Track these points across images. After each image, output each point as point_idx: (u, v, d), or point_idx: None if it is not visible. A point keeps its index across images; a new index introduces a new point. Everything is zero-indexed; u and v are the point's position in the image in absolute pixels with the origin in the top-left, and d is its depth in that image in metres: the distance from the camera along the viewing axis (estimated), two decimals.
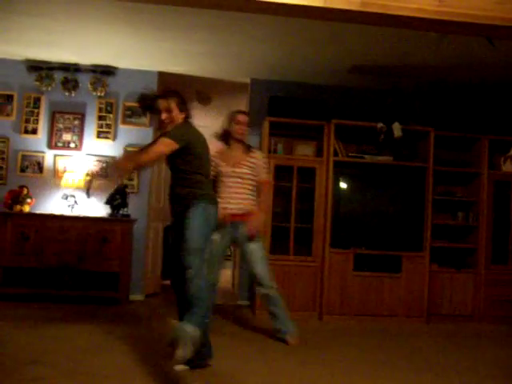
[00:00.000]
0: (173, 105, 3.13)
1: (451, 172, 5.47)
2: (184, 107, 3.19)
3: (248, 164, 4.00)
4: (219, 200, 3.85)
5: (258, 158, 4.09)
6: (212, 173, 3.95)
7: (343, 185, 5.23)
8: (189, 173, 3.08)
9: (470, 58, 4.68)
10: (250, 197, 4.00)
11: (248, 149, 4.10)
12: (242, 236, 3.96)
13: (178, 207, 3.13)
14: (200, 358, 3.10)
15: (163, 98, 3.15)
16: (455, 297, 5.29)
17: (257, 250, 3.97)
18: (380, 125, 5.11)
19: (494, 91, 5.64)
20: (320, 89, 5.76)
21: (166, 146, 3.00)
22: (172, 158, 3.10)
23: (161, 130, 3.26)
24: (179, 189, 3.11)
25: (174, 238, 3.16)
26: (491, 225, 5.40)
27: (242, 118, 4.09)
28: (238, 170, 3.97)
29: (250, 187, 4.00)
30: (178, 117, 3.15)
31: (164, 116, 3.12)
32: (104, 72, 5.59)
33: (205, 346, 3.11)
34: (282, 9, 3.01)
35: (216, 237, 3.89)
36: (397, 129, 5.06)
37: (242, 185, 3.97)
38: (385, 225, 5.21)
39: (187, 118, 3.20)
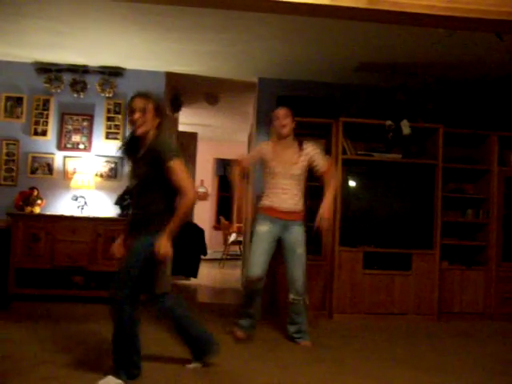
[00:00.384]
0: (150, 106, 2.90)
1: (461, 169, 5.44)
2: (160, 114, 2.97)
3: (301, 163, 3.88)
4: (267, 196, 3.91)
5: (310, 151, 3.93)
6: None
7: (352, 183, 5.22)
8: (165, 192, 2.91)
9: (478, 54, 4.65)
10: (301, 198, 3.94)
11: (299, 145, 3.96)
12: (289, 237, 3.86)
13: (141, 228, 2.93)
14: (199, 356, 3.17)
15: (143, 97, 2.93)
16: (466, 294, 5.27)
17: (301, 256, 3.85)
18: (388, 122, 5.09)
19: (503, 87, 5.60)
20: (328, 87, 5.75)
21: (184, 167, 2.89)
22: (156, 174, 2.86)
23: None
24: (154, 207, 2.91)
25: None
26: (501, 222, 5.36)
27: (279, 112, 3.94)
28: (292, 171, 3.85)
29: (301, 188, 3.94)
30: (152, 122, 2.91)
31: (137, 116, 2.87)
32: (112, 73, 5.61)
33: (201, 342, 3.16)
34: (290, 7, 3.01)
35: (262, 229, 3.83)
36: (405, 126, 5.05)
37: (295, 185, 3.87)
38: (394, 223, 5.19)
39: (160, 125, 2.97)
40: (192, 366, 3.15)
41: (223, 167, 11.17)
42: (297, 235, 3.85)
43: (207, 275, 7.93)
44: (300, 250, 3.84)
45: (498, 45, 3.72)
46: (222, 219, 10.41)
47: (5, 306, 4.69)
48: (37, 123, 5.51)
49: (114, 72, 5.62)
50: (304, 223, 3.93)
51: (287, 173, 3.84)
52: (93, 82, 5.59)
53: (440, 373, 3.36)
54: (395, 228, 5.19)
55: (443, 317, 5.16)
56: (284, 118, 3.90)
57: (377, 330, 4.65)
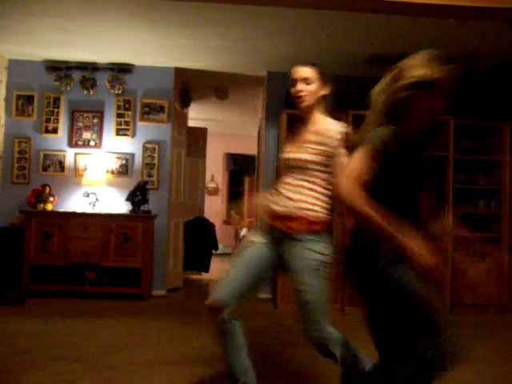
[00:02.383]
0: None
1: (472, 160, 5.39)
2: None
3: (314, 146, 2.36)
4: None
5: (333, 135, 2.37)
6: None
7: None
8: None
9: (489, 43, 4.60)
10: (320, 198, 2.39)
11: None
12: (287, 256, 2.35)
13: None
14: None
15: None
16: (479, 286, 5.23)
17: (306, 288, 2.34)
18: None
19: None
20: (337, 79, 5.71)
21: None
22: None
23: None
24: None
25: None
26: None
27: (296, 72, 2.58)
28: (299, 156, 2.38)
29: (322, 184, 2.38)
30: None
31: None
32: (121, 70, 5.63)
33: None
34: (297, 0, 3.01)
35: (255, 239, 2.44)
36: None
37: (307, 177, 2.36)
38: None
39: None
40: None
41: (233, 161, 11.17)
42: (301, 255, 2.32)
43: (219, 270, 7.94)
44: (305, 278, 2.32)
45: (508, 34, 3.68)
46: (233, 214, 10.43)
47: (20, 301, 4.74)
48: (48, 121, 5.55)
49: (124, 69, 5.63)
50: (324, 236, 2.44)
51: (294, 159, 2.40)
52: (102, 78, 5.62)
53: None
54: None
55: (456, 309, 5.13)
56: (302, 82, 2.51)
57: None
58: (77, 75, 5.59)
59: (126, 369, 3.02)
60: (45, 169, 5.53)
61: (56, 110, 5.56)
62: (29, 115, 5.55)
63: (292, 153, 2.42)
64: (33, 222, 5.12)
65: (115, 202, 5.53)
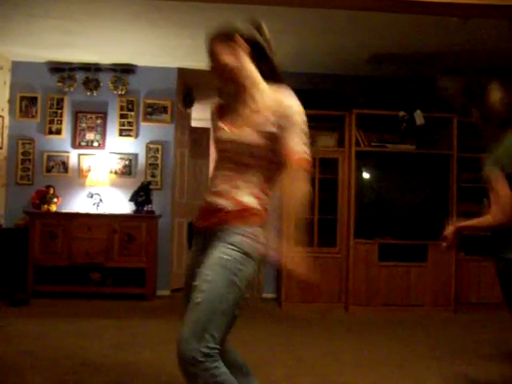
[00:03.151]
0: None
1: (476, 158, 5.35)
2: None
3: (256, 126, 1.89)
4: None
5: (278, 108, 1.98)
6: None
7: (366, 175, 5.19)
8: None
9: (492, 42, 4.59)
10: (250, 186, 1.86)
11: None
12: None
13: None
14: None
15: None
16: (483, 285, 5.22)
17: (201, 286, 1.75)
18: (402, 113, 5.06)
19: None
20: (340, 79, 5.72)
21: None
22: None
23: None
24: None
25: None
26: None
27: (208, 45, 2.08)
28: (237, 138, 1.88)
29: (255, 172, 1.87)
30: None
31: None
32: (124, 70, 5.64)
33: None
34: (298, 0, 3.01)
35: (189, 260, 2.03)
36: (419, 116, 5.01)
37: (239, 165, 1.88)
38: (409, 214, 5.16)
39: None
40: None
41: None
42: (211, 251, 1.80)
43: None
44: (207, 271, 1.76)
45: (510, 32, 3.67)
46: None
47: (25, 302, 4.76)
48: (51, 122, 5.56)
49: (126, 69, 5.64)
50: (245, 228, 1.79)
51: (232, 141, 1.89)
52: (105, 79, 5.63)
53: (459, 363, 3.34)
54: (410, 219, 5.16)
55: (460, 308, 5.12)
56: (217, 54, 2.07)
57: (393, 321, 4.64)
58: (80, 76, 5.61)
59: (132, 369, 3.03)
60: (49, 170, 5.55)
61: (59, 111, 5.58)
62: (32, 116, 5.56)
63: (229, 133, 1.90)
64: (37, 223, 5.13)
65: (119, 203, 5.55)
